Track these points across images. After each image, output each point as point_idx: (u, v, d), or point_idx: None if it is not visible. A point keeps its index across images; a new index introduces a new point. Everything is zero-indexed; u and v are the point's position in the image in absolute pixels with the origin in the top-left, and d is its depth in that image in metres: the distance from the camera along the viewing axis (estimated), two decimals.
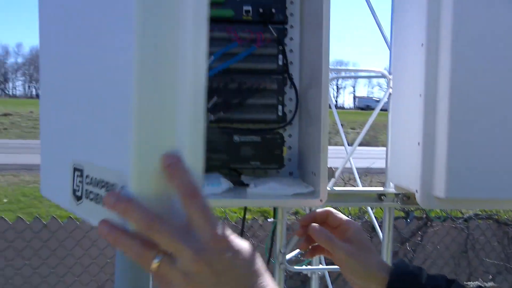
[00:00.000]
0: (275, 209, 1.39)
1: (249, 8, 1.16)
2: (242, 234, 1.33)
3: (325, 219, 0.92)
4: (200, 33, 0.59)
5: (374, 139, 13.35)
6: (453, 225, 3.74)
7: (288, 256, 1.48)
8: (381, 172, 1.45)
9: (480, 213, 3.81)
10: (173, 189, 0.56)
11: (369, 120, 1.49)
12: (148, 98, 0.58)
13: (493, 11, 0.98)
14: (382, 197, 1.35)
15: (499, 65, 0.99)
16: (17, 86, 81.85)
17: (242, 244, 0.59)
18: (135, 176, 0.57)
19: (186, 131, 0.58)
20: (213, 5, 1.16)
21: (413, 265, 0.86)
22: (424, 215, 3.66)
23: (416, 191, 1.07)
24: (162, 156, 0.57)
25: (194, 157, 0.59)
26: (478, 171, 0.99)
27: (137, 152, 0.57)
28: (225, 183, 1.09)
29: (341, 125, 1.71)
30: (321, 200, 1.04)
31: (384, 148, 1.51)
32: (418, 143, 1.05)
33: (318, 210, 0.92)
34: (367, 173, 5.22)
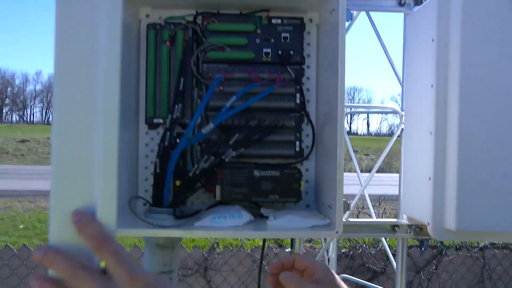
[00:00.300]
0: (292, 239, 1.45)
1: (269, 50, 1.24)
2: (261, 263, 1.38)
3: (293, 265, 0.96)
4: (112, 103, 0.66)
5: (388, 165, 13.33)
6: (468, 254, 3.74)
7: None
8: (395, 199, 1.50)
9: (496, 242, 3.81)
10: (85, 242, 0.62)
11: (384, 150, 1.55)
12: (65, 160, 0.65)
13: (499, 54, 1.04)
14: (395, 228, 1.39)
15: (506, 105, 1.05)
16: (35, 112, 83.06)
17: (160, 281, 0.63)
18: (54, 229, 0.64)
19: (99, 186, 0.65)
20: (234, 47, 1.24)
21: None
22: (439, 244, 3.67)
23: (428, 223, 1.12)
24: (71, 213, 0.63)
25: (107, 209, 0.65)
26: (488, 204, 1.04)
27: (54, 206, 0.64)
28: (246, 216, 1.15)
29: (355, 151, 1.76)
30: (337, 232, 1.10)
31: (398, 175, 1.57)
32: (429, 178, 1.11)
33: (285, 257, 0.97)
34: (381, 200, 5.23)
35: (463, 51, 1.03)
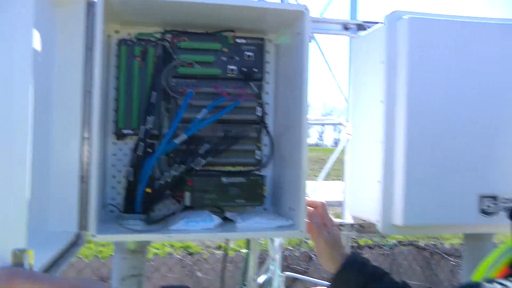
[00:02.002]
0: (248, 241, 1.56)
1: (234, 67, 1.34)
2: (224, 262, 1.48)
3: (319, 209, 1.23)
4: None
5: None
6: (381, 252, 4.05)
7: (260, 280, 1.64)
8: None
9: (402, 240, 4.16)
10: None
11: (329, 158, 1.72)
12: None
13: (442, 73, 1.23)
14: (340, 227, 1.55)
15: (446, 116, 1.23)
16: None
17: (87, 280, 0.71)
18: None
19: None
20: (202, 64, 1.33)
21: (363, 257, 1.12)
22: (356, 244, 3.95)
23: (377, 221, 1.29)
24: None
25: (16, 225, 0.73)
26: (431, 202, 1.22)
27: None
28: (217, 219, 1.25)
29: None
30: (301, 231, 1.22)
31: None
32: (378, 181, 1.27)
33: (319, 201, 1.24)
34: None
35: (409, 71, 1.21)
